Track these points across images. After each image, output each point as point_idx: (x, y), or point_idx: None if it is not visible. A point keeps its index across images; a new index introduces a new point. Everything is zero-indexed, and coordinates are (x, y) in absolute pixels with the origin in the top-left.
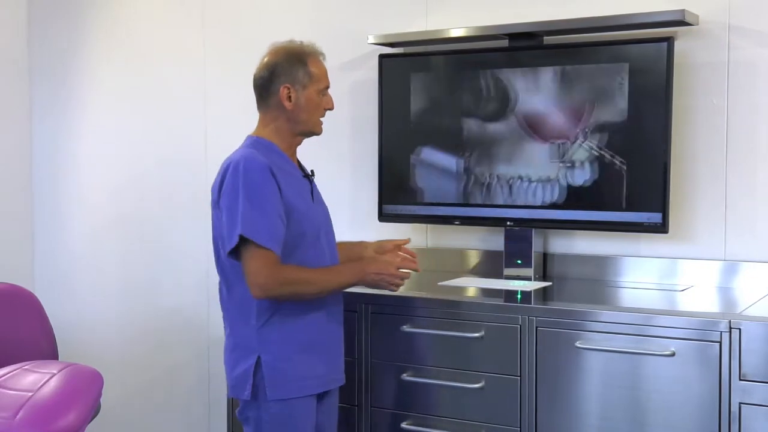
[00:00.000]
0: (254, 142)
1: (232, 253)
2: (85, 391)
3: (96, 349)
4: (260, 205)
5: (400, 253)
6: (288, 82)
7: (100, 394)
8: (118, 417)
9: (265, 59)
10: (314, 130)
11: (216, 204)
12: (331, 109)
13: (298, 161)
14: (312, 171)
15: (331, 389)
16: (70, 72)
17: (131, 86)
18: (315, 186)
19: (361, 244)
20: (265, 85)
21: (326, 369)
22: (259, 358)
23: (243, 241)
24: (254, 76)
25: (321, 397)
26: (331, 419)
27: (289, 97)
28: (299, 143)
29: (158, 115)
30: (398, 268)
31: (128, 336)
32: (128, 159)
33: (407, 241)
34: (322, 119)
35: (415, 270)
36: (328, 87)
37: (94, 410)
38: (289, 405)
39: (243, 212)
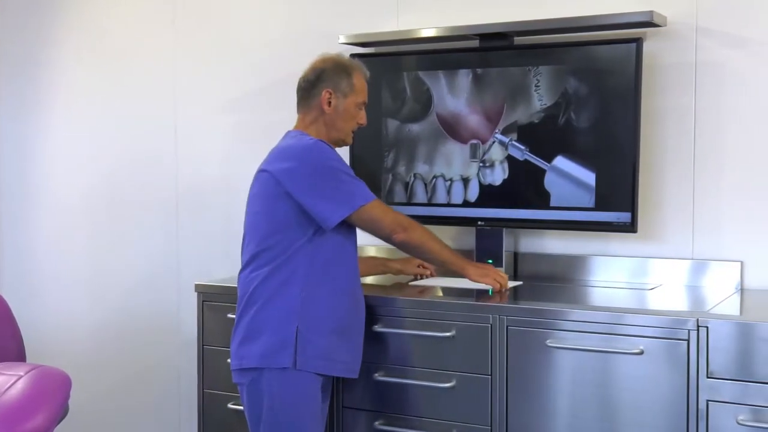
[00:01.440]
0: (304, 135)
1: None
2: (52, 393)
3: (65, 350)
4: (350, 172)
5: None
6: (331, 88)
7: (68, 396)
8: (88, 419)
9: (314, 63)
10: (346, 140)
11: (290, 179)
12: (363, 125)
13: None
14: None
15: (329, 386)
16: (39, 69)
17: (101, 84)
18: None
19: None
20: (309, 88)
21: (350, 356)
22: (297, 327)
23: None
24: (300, 78)
25: (323, 390)
26: (324, 416)
27: (329, 101)
28: None
29: (128, 112)
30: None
31: (97, 337)
32: (98, 157)
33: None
34: (354, 132)
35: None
36: (365, 103)
37: (62, 412)
38: (310, 380)
39: (347, 183)
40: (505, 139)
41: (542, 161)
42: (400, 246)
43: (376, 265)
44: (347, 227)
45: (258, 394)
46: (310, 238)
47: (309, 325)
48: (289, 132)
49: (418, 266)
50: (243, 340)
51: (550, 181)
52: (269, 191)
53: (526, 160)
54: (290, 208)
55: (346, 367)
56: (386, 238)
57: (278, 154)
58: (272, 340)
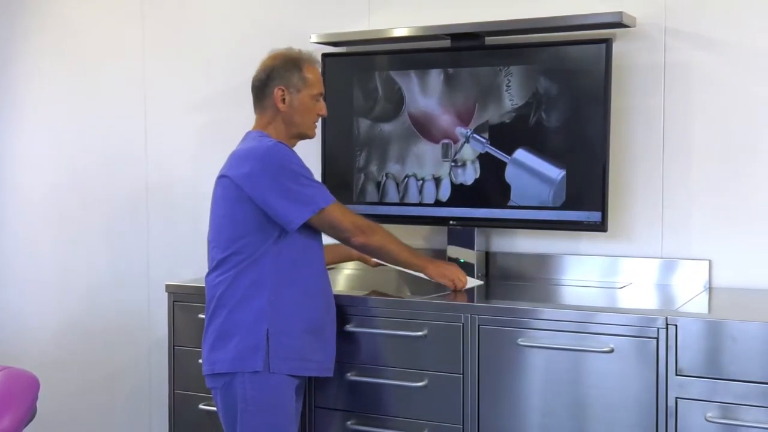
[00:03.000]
0: (264, 137)
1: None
2: (20, 396)
3: (32, 351)
4: (309, 175)
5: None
6: (283, 85)
7: (36, 398)
8: (56, 421)
9: (264, 63)
10: (308, 133)
11: (250, 184)
12: (323, 115)
13: None
14: None
15: (303, 386)
16: (5, 67)
17: (69, 82)
18: None
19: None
20: (262, 87)
21: (323, 356)
22: (268, 330)
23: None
24: (252, 78)
25: (297, 390)
26: (298, 416)
27: (283, 99)
28: (294, 146)
29: (97, 111)
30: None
31: (66, 338)
32: (66, 156)
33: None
34: (315, 124)
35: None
36: (321, 93)
37: (30, 415)
38: (284, 382)
39: (307, 186)
40: (466, 131)
41: (507, 157)
42: (360, 249)
43: (340, 252)
44: (311, 228)
45: (232, 398)
46: (275, 240)
47: (279, 327)
48: (248, 133)
49: None
50: (213, 345)
51: (521, 180)
52: (231, 195)
53: (499, 160)
54: (253, 212)
55: (320, 366)
56: (345, 241)
57: (238, 157)
58: (243, 344)
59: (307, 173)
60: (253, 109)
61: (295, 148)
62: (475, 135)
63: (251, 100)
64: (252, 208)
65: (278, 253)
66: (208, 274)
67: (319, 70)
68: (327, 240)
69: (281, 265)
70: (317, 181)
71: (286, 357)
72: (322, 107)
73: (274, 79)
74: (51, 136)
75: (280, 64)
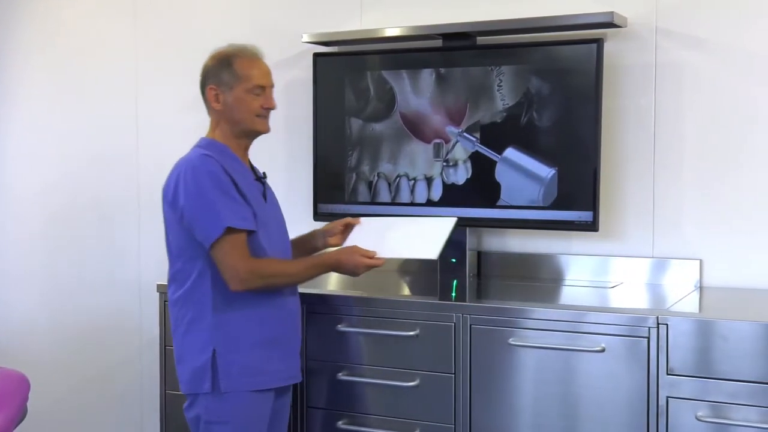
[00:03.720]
0: (208, 144)
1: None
2: (10, 396)
3: (23, 351)
4: (227, 193)
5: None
6: (214, 84)
7: (26, 398)
8: (47, 421)
9: (203, 64)
10: (255, 128)
11: (171, 204)
12: (270, 107)
13: (251, 164)
14: (264, 173)
15: (287, 387)
16: None
17: (61, 81)
18: (268, 188)
19: (311, 235)
20: (202, 90)
21: (284, 365)
22: (214, 350)
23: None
24: None
25: (278, 394)
26: (283, 418)
27: (217, 98)
28: (247, 145)
29: (89, 110)
30: (367, 266)
31: (57, 338)
32: (57, 156)
33: (357, 221)
34: (262, 117)
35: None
36: (261, 86)
37: (21, 415)
38: (244, 399)
39: (209, 207)
40: (457, 131)
41: (498, 156)
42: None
43: (306, 248)
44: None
45: (195, 418)
46: (207, 259)
47: (227, 346)
48: (202, 138)
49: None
50: (176, 364)
51: (512, 180)
52: (167, 214)
53: (490, 160)
54: (182, 232)
55: (281, 375)
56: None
57: (173, 168)
58: (193, 366)
59: (224, 189)
60: None
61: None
62: (466, 135)
63: None
64: (181, 227)
65: (215, 273)
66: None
67: (258, 62)
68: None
69: (220, 284)
70: (234, 198)
71: (240, 374)
72: (266, 100)
73: (207, 79)
74: (42, 135)
75: (211, 64)
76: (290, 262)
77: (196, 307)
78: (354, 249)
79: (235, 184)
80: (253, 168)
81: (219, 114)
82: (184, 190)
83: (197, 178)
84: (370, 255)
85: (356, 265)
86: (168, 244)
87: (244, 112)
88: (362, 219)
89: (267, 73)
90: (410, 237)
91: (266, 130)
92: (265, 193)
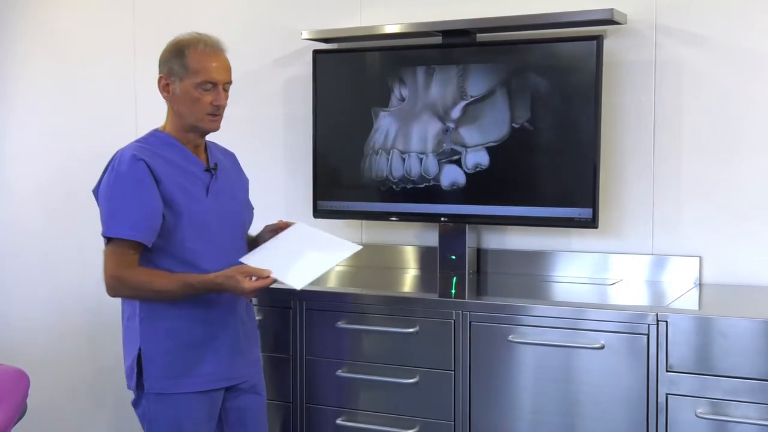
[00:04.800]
0: (149, 135)
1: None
2: (10, 392)
3: (22, 348)
4: (128, 197)
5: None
6: (164, 73)
7: (26, 395)
8: (47, 417)
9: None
10: (199, 125)
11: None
12: (218, 105)
13: (207, 155)
14: (215, 164)
15: (245, 387)
16: None
17: (60, 80)
18: (219, 181)
19: (262, 231)
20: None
21: (214, 367)
22: (140, 350)
23: (106, 238)
24: None
25: (232, 393)
26: (246, 419)
27: (167, 87)
28: (196, 139)
29: (88, 109)
30: (251, 289)
31: (56, 334)
32: (56, 154)
33: (290, 224)
34: (211, 116)
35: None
36: (211, 81)
37: (21, 411)
38: (172, 401)
39: (108, 209)
40: (454, 127)
41: (498, 153)
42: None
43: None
44: (174, 224)
45: (139, 414)
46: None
47: (152, 346)
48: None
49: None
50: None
51: (512, 177)
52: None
53: (490, 156)
54: None
55: (205, 380)
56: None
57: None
58: (126, 364)
59: (129, 195)
60: None
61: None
62: (465, 131)
63: (241, 98)
64: None
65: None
66: None
67: (215, 55)
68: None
69: None
70: (135, 207)
71: (161, 375)
72: (217, 97)
73: (160, 66)
74: (41, 133)
75: (167, 51)
76: (163, 277)
77: (129, 305)
78: (239, 270)
79: (158, 183)
80: (207, 159)
81: (169, 104)
82: (104, 183)
83: (116, 177)
84: (258, 274)
85: (238, 289)
86: None
87: (191, 106)
88: (296, 224)
89: (222, 69)
90: (304, 256)
91: (213, 129)
92: (210, 186)
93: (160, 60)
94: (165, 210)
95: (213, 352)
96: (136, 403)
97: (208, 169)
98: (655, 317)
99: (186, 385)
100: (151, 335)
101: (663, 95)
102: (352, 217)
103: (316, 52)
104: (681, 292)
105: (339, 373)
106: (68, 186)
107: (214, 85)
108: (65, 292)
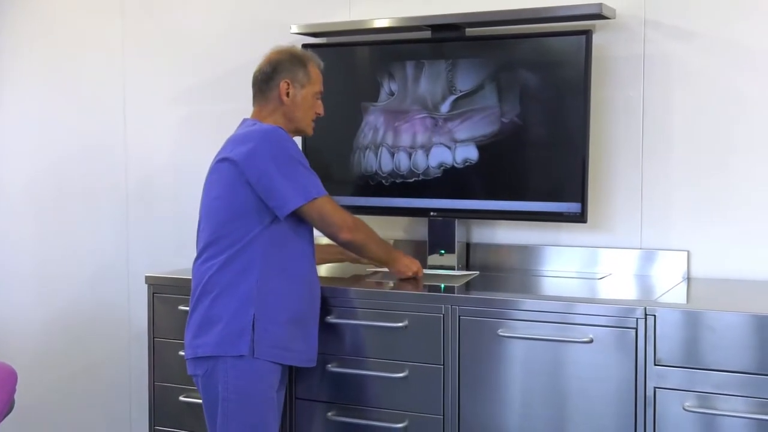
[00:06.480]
0: (262, 123)
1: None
2: None
3: (10, 343)
4: (306, 163)
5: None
6: (288, 78)
7: (14, 391)
8: (35, 414)
9: (269, 56)
10: (305, 130)
11: (242, 165)
12: (321, 114)
13: None
14: None
15: (285, 375)
16: None
17: (48, 73)
18: None
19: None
20: (266, 80)
21: (305, 345)
22: (254, 315)
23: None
24: (255, 71)
25: (282, 376)
26: (281, 402)
27: (288, 92)
28: None
29: (76, 103)
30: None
31: (45, 329)
32: (45, 146)
33: None
34: (313, 122)
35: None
36: (321, 93)
37: (8, 407)
38: (270, 368)
39: (303, 175)
40: (444, 122)
41: (486, 147)
42: (344, 245)
43: (334, 252)
44: (300, 218)
45: (214, 383)
46: (266, 226)
47: (265, 313)
48: (245, 120)
49: None
50: (198, 330)
51: (501, 171)
52: (228, 178)
53: (478, 151)
54: (249, 195)
55: (301, 356)
56: (332, 236)
57: (237, 139)
58: (229, 329)
59: (303, 161)
60: (253, 101)
61: None
62: (454, 125)
63: (231, 91)
64: (249, 191)
65: (269, 240)
66: (195, 260)
67: (321, 71)
68: (319, 240)
69: (271, 252)
70: (313, 172)
71: (271, 344)
72: (320, 106)
73: (280, 72)
74: (30, 128)
75: (286, 59)
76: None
77: (237, 271)
78: (413, 260)
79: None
80: None
81: (282, 107)
82: (270, 154)
83: (288, 142)
84: (416, 270)
85: (415, 264)
86: (212, 210)
87: (306, 112)
88: None
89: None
90: None
91: (310, 134)
92: None
93: (276, 66)
94: None
95: (307, 332)
96: (215, 370)
97: None
98: (644, 311)
99: (285, 357)
100: (265, 304)
101: (652, 90)
102: None
103: (305, 47)
104: (669, 287)
105: (329, 367)
106: (57, 180)
107: (321, 95)
108: (55, 287)
